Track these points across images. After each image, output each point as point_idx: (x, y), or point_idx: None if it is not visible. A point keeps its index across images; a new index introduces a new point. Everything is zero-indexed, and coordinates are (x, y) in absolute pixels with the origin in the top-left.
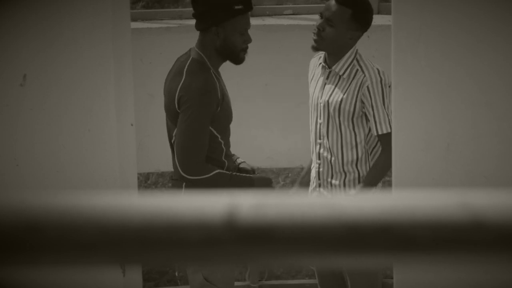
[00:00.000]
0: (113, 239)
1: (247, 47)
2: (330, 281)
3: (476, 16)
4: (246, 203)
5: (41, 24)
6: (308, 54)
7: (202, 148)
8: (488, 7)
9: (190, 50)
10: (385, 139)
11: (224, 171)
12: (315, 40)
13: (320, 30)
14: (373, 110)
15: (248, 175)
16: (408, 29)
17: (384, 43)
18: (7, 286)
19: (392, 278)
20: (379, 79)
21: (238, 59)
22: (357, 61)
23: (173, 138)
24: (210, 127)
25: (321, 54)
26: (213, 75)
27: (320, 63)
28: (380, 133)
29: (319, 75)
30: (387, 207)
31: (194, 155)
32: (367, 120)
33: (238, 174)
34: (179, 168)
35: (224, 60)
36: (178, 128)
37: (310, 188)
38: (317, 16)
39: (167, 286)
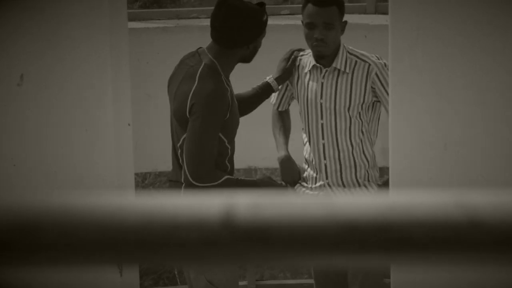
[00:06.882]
0: (110, 239)
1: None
2: (331, 282)
3: (473, 17)
4: (243, 203)
5: (38, 24)
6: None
7: (212, 155)
8: (485, 8)
9: (199, 53)
10: None
11: (231, 177)
12: (321, 50)
13: (323, 39)
14: (386, 92)
15: (252, 179)
16: (406, 29)
17: (381, 43)
18: (3, 286)
19: (389, 277)
20: (382, 63)
21: (252, 58)
22: (349, 53)
23: (180, 141)
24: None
25: (306, 53)
26: (224, 81)
27: (311, 64)
28: None
29: (311, 75)
30: (384, 207)
31: (205, 163)
32: (373, 107)
33: (243, 178)
34: (188, 175)
35: (236, 63)
36: (188, 135)
37: (311, 187)
38: None
39: (165, 286)
